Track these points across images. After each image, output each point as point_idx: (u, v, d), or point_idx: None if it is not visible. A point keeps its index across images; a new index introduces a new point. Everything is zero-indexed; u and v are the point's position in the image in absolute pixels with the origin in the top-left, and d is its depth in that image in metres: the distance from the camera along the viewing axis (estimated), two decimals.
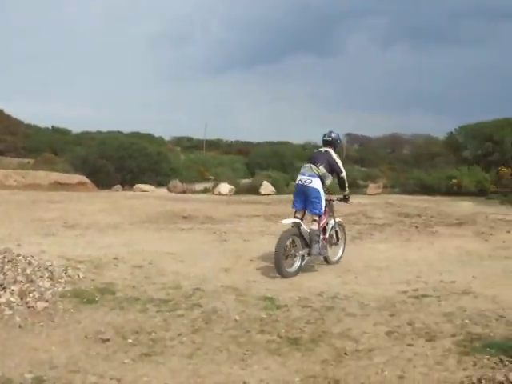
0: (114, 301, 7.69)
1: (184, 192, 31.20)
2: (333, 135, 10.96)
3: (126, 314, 7.12)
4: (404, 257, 11.71)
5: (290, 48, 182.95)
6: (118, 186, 33.13)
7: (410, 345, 6.13)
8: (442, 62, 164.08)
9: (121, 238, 13.12)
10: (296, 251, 9.98)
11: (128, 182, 34.50)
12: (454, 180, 29.92)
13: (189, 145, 79.79)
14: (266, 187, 30.60)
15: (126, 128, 71.55)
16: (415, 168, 36.43)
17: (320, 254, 10.37)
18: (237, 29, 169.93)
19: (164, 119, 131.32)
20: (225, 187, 30.63)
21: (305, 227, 10.11)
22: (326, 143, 10.99)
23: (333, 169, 10.54)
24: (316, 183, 10.18)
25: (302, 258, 10.09)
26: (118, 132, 52.77)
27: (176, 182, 32.81)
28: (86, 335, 6.24)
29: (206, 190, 31.97)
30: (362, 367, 5.51)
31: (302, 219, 10.33)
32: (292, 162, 50.59)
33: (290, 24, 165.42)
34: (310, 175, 10.30)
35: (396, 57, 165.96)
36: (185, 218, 17.69)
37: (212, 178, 39.18)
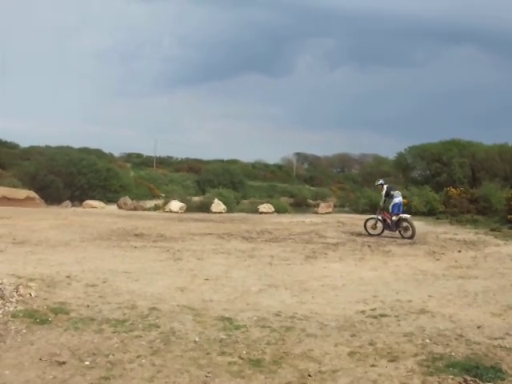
0: (69, 321, 7.46)
1: (134, 209, 30.92)
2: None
3: (81, 334, 6.89)
4: (359, 276, 11.72)
5: (241, 66, 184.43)
6: (68, 202, 32.71)
7: (373, 365, 6.08)
8: (389, 83, 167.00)
9: (73, 256, 12.85)
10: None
11: (77, 198, 34.13)
12: (403, 200, 30.19)
13: (139, 161, 79.48)
14: (217, 205, 30.48)
15: (75, 143, 70.89)
16: (365, 187, 36.70)
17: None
18: (188, 45, 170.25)
19: (114, 135, 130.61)
20: (176, 205, 30.44)
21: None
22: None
23: None
24: None
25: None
26: (68, 147, 52.11)
27: (126, 199, 32.52)
28: (41, 358, 6.01)
29: (156, 208, 31.71)
30: None
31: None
32: (242, 180, 50.76)
33: (242, 42, 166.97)
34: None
35: (344, 77, 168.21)
36: (137, 235, 17.47)
37: (163, 195, 38.95)
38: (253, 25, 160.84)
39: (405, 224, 19.33)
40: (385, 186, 19.98)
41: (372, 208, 30.84)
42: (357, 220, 25.04)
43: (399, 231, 19.27)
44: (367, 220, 20.25)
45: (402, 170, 40.56)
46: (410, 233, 18.99)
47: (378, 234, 19.47)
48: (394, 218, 19.34)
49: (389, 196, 19.79)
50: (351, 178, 59.13)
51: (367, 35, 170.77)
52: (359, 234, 19.36)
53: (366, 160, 74.00)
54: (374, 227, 19.71)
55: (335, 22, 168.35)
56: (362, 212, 30.72)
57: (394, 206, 19.60)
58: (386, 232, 19.46)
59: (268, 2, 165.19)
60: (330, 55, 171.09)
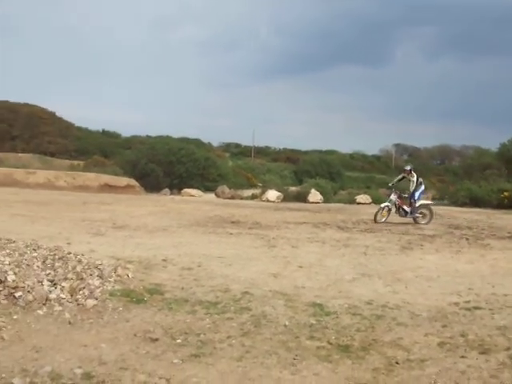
0: (163, 301, 7.67)
1: (232, 198, 31.28)
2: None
3: (174, 314, 7.08)
4: (455, 268, 11.46)
5: (338, 56, 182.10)
6: (166, 190, 33.40)
7: (463, 357, 5.96)
8: (493, 73, 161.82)
9: (170, 241, 13.17)
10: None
11: (176, 187, 34.77)
12: (505, 193, 29.32)
13: (237, 151, 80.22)
14: (314, 195, 30.43)
15: (175, 133, 72.32)
16: (465, 180, 35.78)
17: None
18: (285, 35, 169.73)
19: (212, 125, 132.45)
20: (273, 194, 30.59)
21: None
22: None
23: None
24: None
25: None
26: (168, 137, 53.20)
27: (224, 188, 32.93)
28: (135, 334, 6.22)
29: (253, 197, 31.98)
30: (414, 377, 5.37)
31: None
32: (340, 170, 50.41)
33: (338, 32, 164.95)
34: None
35: (444, 67, 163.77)
36: (233, 222, 17.71)
37: (260, 184, 39.17)
38: (349, 14, 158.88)
39: (424, 211, 20.13)
40: (414, 173, 20.04)
41: (471, 201, 30.19)
42: (455, 212, 24.59)
43: (415, 218, 19.81)
44: (381, 209, 19.96)
45: (505, 161, 39.26)
46: (427, 219, 19.90)
47: (384, 221, 19.61)
48: (418, 204, 19.77)
49: (417, 183, 19.87)
50: (451, 170, 57.88)
51: (471, 23, 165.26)
52: (457, 227, 18.92)
53: (467, 152, 72.18)
54: (384, 215, 19.75)
55: (436, 10, 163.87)
56: (461, 205, 30.04)
57: (421, 192, 20.17)
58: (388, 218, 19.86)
59: None
60: (430, 44, 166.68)
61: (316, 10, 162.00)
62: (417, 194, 19.71)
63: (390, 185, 20.90)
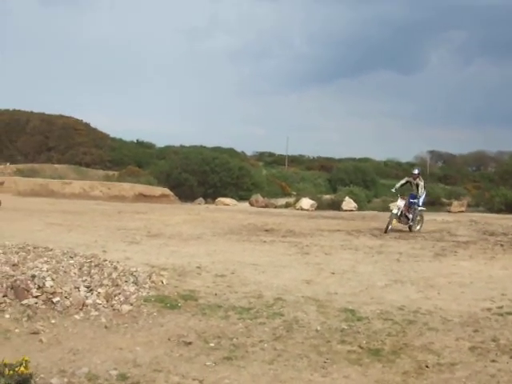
0: (197, 307, 7.81)
1: (266, 206, 31.35)
2: None
3: (208, 319, 7.22)
4: (489, 274, 11.41)
5: (370, 63, 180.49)
6: (201, 200, 33.59)
7: (493, 361, 5.99)
8: None
9: (204, 248, 13.31)
10: None
11: (210, 196, 34.97)
12: None
13: (271, 160, 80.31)
14: (348, 203, 30.39)
15: (209, 142, 72.75)
16: (501, 186, 35.41)
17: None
18: (317, 43, 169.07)
19: (246, 134, 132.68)
20: (307, 202, 30.62)
21: None
22: None
23: None
24: None
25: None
26: (201, 146, 53.55)
27: (258, 197, 33.04)
28: (169, 338, 6.37)
29: (287, 205, 32.05)
30: (443, 380, 5.43)
31: None
32: (374, 178, 50.23)
33: (370, 39, 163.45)
34: None
35: (479, 71, 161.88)
36: (267, 231, 17.80)
37: (294, 193, 39.25)
38: (380, 20, 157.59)
39: (418, 217, 19.25)
40: (421, 177, 19.60)
41: (507, 207, 29.89)
42: (490, 219, 24.32)
43: (410, 225, 18.89)
44: (394, 217, 18.40)
45: None
46: (420, 225, 19.27)
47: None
48: (419, 209, 19.05)
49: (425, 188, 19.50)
50: (487, 176, 57.26)
51: (503, 25, 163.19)
52: (492, 233, 18.72)
53: (502, 158, 71.32)
54: (395, 224, 18.49)
55: (467, 13, 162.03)
56: (497, 211, 29.75)
57: (425, 197, 19.68)
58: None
59: None
60: (464, 48, 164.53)
61: (346, 18, 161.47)
62: (421, 200, 19.01)
63: (393, 190, 19.82)
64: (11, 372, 4.49)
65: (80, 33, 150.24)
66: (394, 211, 18.51)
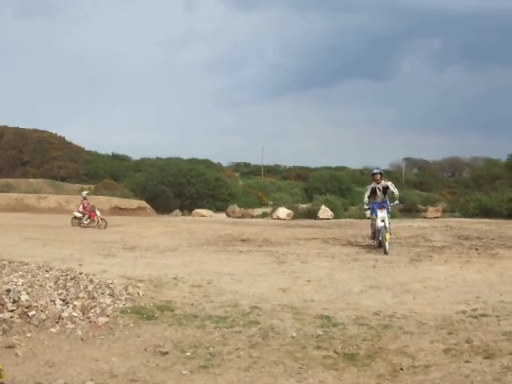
0: (173, 317, 7.83)
1: (242, 216, 31.46)
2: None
3: (184, 329, 7.23)
4: (463, 278, 11.52)
5: (344, 71, 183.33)
6: (177, 211, 33.61)
7: (467, 361, 6.05)
8: (501, 83, 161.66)
9: (180, 260, 13.34)
10: None
11: (187, 207, 35.00)
12: None
13: (247, 170, 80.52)
14: (324, 211, 30.57)
15: (185, 154, 72.80)
16: (476, 191, 35.81)
17: None
18: (291, 53, 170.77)
19: (222, 144, 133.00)
20: (283, 212, 30.76)
21: None
22: None
23: None
24: None
25: None
26: (177, 158, 53.57)
27: (234, 207, 33.13)
28: (146, 348, 6.38)
29: (264, 215, 32.16)
30: (417, 382, 5.48)
31: None
32: (350, 186, 50.53)
33: (344, 48, 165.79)
34: None
35: (451, 78, 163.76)
36: (243, 240, 17.85)
37: (271, 203, 39.35)
38: (354, 30, 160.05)
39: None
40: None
41: (482, 211, 30.21)
42: (465, 224, 24.55)
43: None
44: (384, 232, 15.52)
45: None
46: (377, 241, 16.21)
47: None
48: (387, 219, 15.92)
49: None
50: (462, 182, 57.85)
51: (477, 34, 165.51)
52: (466, 238, 18.92)
53: (476, 163, 72.19)
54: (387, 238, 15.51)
55: (441, 21, 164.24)
56: (472, 216, 30.04)
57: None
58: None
59: (369, 5, 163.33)
60: (437, 56, 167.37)
61: (320, 27, 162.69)
62: (389, 207, 16.36)
63: (366, 206, 16.65)
64: None
65: (55, 46, 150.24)
66: (381, 224, 15.69)
